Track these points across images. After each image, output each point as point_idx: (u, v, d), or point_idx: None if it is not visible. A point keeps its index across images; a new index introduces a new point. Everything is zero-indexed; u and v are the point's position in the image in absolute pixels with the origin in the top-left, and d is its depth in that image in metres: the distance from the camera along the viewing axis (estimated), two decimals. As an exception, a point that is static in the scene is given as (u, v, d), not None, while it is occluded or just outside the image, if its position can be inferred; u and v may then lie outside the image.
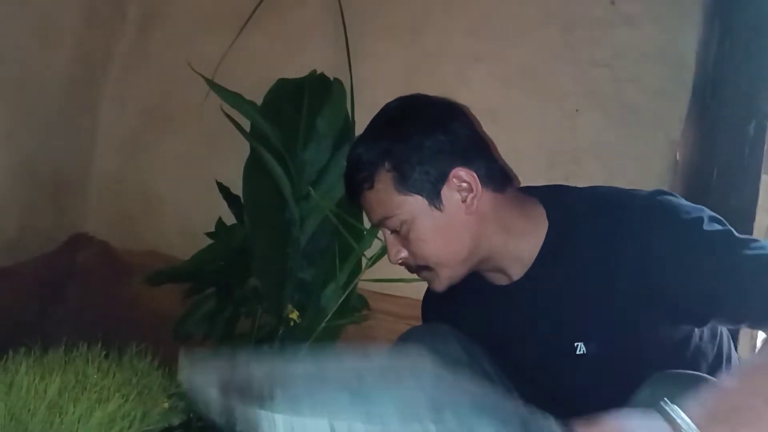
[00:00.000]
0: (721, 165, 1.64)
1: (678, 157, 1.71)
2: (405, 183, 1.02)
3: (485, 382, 1.03)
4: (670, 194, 0.98)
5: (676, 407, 0.70)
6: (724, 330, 1.08)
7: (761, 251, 0.88)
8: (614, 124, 1.76)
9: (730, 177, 1.62)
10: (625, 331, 0.95)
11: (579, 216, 1.00)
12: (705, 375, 0.90)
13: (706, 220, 0.92)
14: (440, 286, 1.07)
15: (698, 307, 0.91)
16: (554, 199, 1.05)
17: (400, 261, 1.08)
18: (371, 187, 1.04)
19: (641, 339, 0.96)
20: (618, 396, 0.89)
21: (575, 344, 0.99)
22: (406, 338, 1.13)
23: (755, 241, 0.90)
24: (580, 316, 0.99)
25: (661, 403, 0.71)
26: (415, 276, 1.23)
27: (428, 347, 1.06)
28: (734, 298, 0.88)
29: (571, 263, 1.00)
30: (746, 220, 1.57)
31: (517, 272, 1.05)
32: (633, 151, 1.75)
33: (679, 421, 0.69)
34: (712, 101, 1.64)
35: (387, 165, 1.03)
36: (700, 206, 0.96)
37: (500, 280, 1.09)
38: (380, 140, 1.05)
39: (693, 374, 0.89)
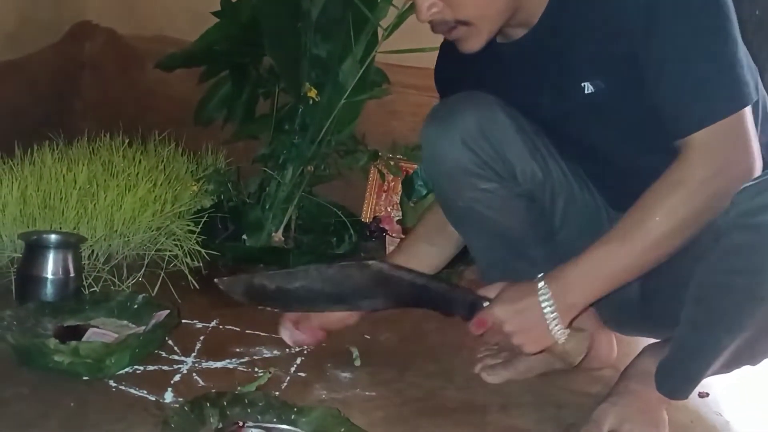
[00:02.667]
0: None
1: None
2: None
3: (531, 146, 1.07)
4: None
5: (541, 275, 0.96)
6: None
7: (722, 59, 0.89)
8: None
9: None
10: (626, 67, 0.94)
11: None
12: None
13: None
14: (478, 42, 1.01)
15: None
16: None
17: (431, 16, 1.00)
18: None
19: (640, 76, 0.96)
20: (621, 133, 1.00)
21: (582, 84, 0.98)
22: (448, 108, 1.08)
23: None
24: (586, 57, 0.98)
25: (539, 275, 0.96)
26: (436, 44, 1.16)
27: (473, 113, 1.05)
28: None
29: (577, 4, 0.97)
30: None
31: (535, 21, 1.02)
32: None
33: (540, 284, 0.96)
34: None
35: None
36: None
37: (518, 33, 1.05)
38: None
39: None
